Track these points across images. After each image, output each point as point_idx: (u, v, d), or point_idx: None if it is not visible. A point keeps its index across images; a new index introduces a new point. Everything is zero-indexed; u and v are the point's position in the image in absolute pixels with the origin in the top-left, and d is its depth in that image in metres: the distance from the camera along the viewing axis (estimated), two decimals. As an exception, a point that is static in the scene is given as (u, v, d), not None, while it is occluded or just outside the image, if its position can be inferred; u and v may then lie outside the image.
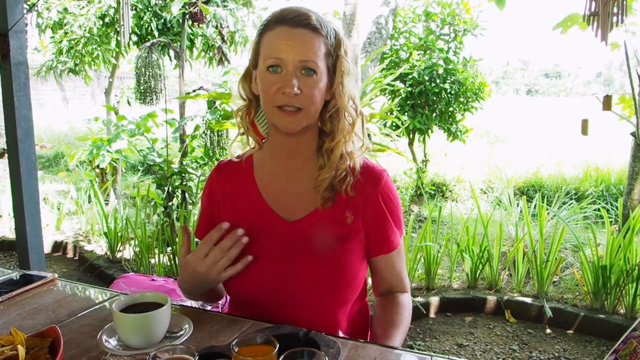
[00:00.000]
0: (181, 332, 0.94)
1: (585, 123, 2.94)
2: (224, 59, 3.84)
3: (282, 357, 0.69)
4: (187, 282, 1.09)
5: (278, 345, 0.71)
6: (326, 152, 1.07)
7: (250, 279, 1.06)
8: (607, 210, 3.08)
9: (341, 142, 1.05)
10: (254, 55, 1.05)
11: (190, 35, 4.72)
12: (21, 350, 0.78)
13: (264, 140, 1.14)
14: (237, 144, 1.16)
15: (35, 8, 4.63)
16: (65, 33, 4.77)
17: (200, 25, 4.21)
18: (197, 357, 0.71)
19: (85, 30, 4.69)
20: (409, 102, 5.37)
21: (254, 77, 1.07)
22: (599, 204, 4.55)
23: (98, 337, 0.90)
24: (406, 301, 1.15)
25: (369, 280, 1.52)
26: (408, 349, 0.95)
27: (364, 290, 1.17)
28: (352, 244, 1.07)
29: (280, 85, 0.97)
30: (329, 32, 1.01)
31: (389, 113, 4.46)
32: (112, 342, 0.90)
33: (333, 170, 1.06)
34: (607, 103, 3.05)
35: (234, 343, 0.72)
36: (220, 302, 1.50)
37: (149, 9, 4.54)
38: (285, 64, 0.97)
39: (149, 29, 4.53)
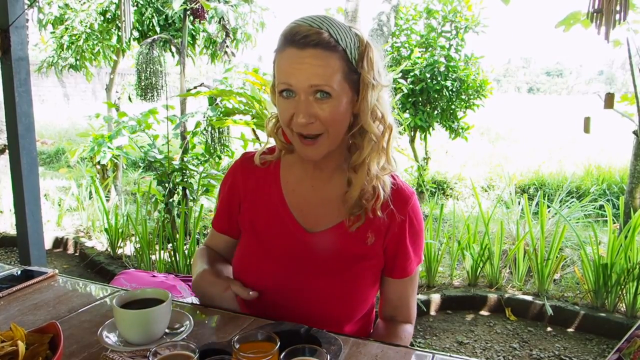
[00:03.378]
0: (182, 329, 0.94)
1: (587, 121, 2.93)
2: (229, 53, 3.83)
3: (283, 353, 0.68)
4: (202, 292, 1.10)
5: (279, 342, 0.71)
6: (354, 168, 1.02)
7: (262, 282, 1.05)
8: (609, 208, 3.07)
9: (367, 159, 0.99)
10: (273, 73, 1.00)
11: (192, 31, 4.71)
12: (21, 346, 0.77)
13: (292, 144, 1.09)
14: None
15: (36, 3, 4.61)
16: (66, 29, 4.77)
17: (202, 22, 4.20)
18: (198, 354, 0.71)
19: (86, 26, 4.68)
20: (410, 99, 5.35)
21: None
22: (600, 202, 4.54)
23: (98, 333, 0.90)
24: (405, 334, 1.10)
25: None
26: (410, 347, 0.94)
27: (372, 307, 1.16)
28: (368, 265, 1.05)
29: (294, 112, 0.93)
30: (348, 45, 0.93)
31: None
32: (112, 338, 0.90)
33: (361, 188, 1.00)
34: (609, 101, 3.04)
35: (235, 339, 0.71)
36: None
37: (151, 4, 4.53)
38: (296, 89, 0.92)
39: (151, 24, 4.52)
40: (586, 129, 2.95)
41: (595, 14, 2.34)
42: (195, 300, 1.35)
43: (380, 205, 1.02)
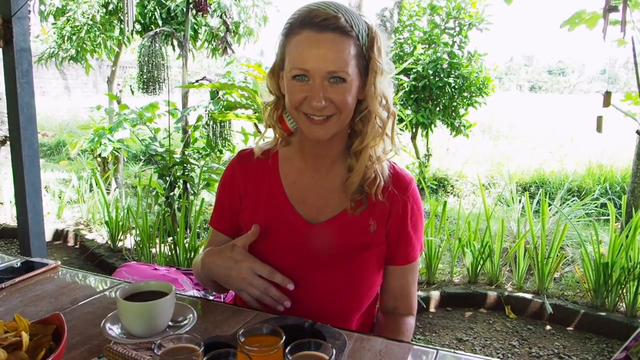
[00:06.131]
0: (185, 322, 0.93)
1: (600, 119, 2.90)
2: (228, 48, 3.82)
3: (288, 348, 0.68)
4: (215, 267, 1.04)
5: (284, 337, 0.71)
6: (355, 154, 1.03)
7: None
8: (611, 207, 3.07)
9: (370, 144, 1.01)
10: (281, 56, 1.00)
11: (194, 25, 4.69)
12: (25, 337, 0.77)
13: (291, 135, 1.09)
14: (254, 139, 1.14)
15: (39, -5, 4.59)
16: (68, 20, 4.75)
17: (204, 15, 4.18)
18: (203, 347, 0.70)
19: (88, 17, 4.66)
20: (412, 96, 5.34)
21: (281, 75, 1.01)
22: (602, 200, 4.54)
23: (102, 324, 0.90)
24: (408, 327, 1.09)
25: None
26: (414, 343, 0.94)
27: (376, 297, 1.16)
28: (372, 253, 1.05)
29: (308, 95, 0.93)
30: (360, 31, 0.95)
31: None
32: (116, 330, 0.90)
33: (362, 173, 1.02)
34: (606, 100, 3.02)
35: (240, 333, 0.71)
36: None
37: (153, -3, 4.51)
38: (312, 74, 0.92)
39: (153, 17, 4.50)
40: (599, 128, 2.93)
41: (608, 12, 2.32)
42: (198, 294, 1.35)
43: (381, 191, 1.03)
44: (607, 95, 3.01)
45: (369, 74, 0.97)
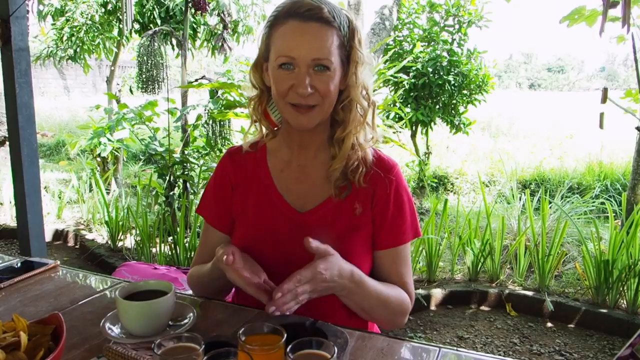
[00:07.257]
0: (185, 321, 0.93)
1: (602, 116, 2.93)
2: (225, 46, 3.81)
3: (290, 346, 0.67)
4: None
5: (286, 335, 0.70)
6: (337, 142, 1.06)
7: (261, 268, 1.04)
8: (610, 205, 3.06)
9: (352, 132, 1.04)
10: (265, 48, 1.03)
11: (193, 24, 4.68)
12: (23, 337, 0.76)
13: (277, 129, 1.12)
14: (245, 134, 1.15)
15: (37, -6, 4.58)
16: (67, 20, 4.74)
17: (203, 14, 4.17)
18: (203, 346, 0.70)
19: (86, 17, 4.66)
20: (412, 93, 5.33)
21: (265, 68, 1.04)
22: (602, 197, 4.53)
23: (101, 324, 0.89)
24: (404, 294, 1.07)
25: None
26: (416, 341, 0.93)
27: None
28: (360, 235, 1.06)
29: (294, 83, 0.96)
30: (342, 23, 0.99)
31: (392, 104, 4.43)
32: (115, 330, 0.89)
33: (344, 160, 1.05)
34: (604, 96, 3.03)
35: (240, 332, 0.71)
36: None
37: (152, -4, 4.50)
38: (298, 62, 0.95)
39: (152, 16, 4.50)
40: (601, 125, 2.95)
41: (609, 8, 2.32)
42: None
43: (364, 176, 1.06)
44: (604, 91, 3.02)
45: (351, 64, 1.01)
